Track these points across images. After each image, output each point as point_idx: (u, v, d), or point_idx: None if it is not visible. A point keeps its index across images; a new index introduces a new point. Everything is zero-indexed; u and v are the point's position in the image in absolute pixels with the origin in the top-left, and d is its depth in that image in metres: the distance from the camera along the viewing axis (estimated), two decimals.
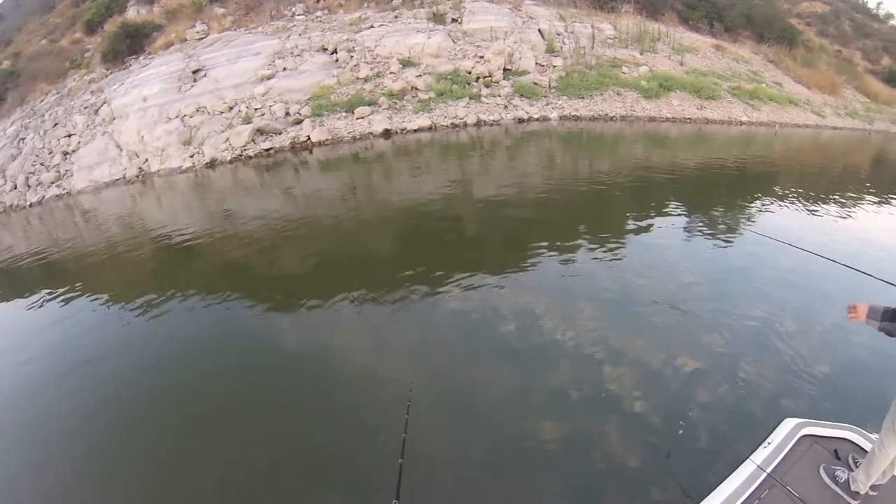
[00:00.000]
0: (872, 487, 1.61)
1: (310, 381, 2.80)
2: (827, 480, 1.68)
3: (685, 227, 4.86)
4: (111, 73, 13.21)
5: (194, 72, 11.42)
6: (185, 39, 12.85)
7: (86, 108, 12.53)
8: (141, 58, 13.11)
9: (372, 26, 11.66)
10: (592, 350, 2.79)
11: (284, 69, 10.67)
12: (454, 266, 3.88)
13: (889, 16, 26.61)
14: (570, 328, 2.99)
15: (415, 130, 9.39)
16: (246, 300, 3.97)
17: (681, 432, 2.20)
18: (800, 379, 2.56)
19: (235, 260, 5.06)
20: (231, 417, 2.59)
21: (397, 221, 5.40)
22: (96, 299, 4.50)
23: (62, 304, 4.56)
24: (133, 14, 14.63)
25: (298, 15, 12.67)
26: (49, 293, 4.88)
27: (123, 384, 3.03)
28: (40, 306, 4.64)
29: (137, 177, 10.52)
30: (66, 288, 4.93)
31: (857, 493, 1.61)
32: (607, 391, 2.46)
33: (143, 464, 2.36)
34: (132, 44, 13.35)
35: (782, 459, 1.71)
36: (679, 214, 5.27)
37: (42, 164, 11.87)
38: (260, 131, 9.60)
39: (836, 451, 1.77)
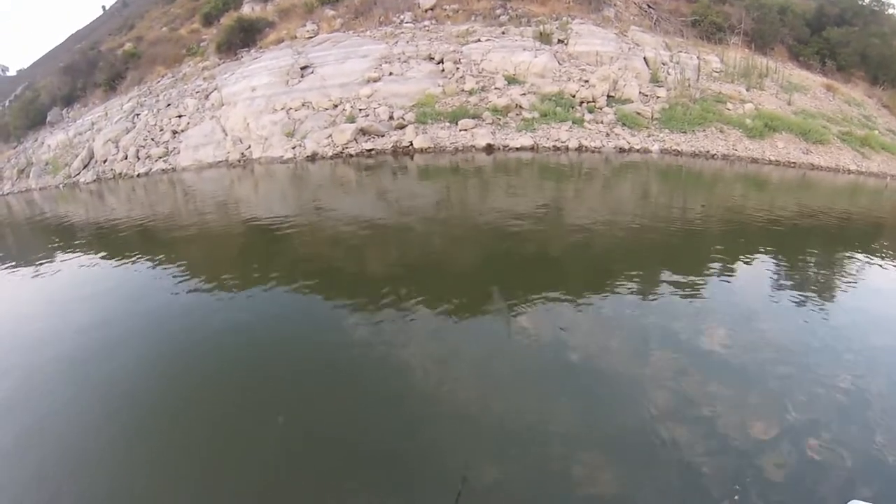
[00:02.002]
0: None
1: (371, 382, 2.81)
2: None
3: (777, 279, 4.51)
4: (224, 62, 14.15)
5: (302, 68, 11.98)
6: (295, 37, 13.54)
7: (197, 92, 13.46)
8: (252, 51, 13.96)
9: (479, 40, 11.73)
10: (659, 397, 2.67)
11: (391, 74, 10.95)
12: (533, 289, 3.81)
13: None
14: (641, 370, 2.91)
15: (517, 149, 9.25)
16: (319, 293, 4.03)
17: (736, 498, 2.07)
18: (878, 461, 2.32)
19: (318, 253, 5.15)
20: (282, 403, 2.66)
21: (484, 238, 5.31)
22: (178, 269, 4.78)
23: (148, 268, 4.94)
24: (248, 10, 15.66)
25: (406, 23, 13.03)
26: (138, 257, 5.28)
27: (181, 355, 3.21)
28: (127, 267, 5.06)
29: (239, 161, 11.11)
30: (155, 254, 5.32)
31: None
32: (667, 443, 2.37)
33: (189, 425, 2.58)
34: (245, 37, 14.25)
35: None
36: (772, 264, 4.92)
37: (153, 139, 12.84)
38: (363, 131, 9.86)
39: None
